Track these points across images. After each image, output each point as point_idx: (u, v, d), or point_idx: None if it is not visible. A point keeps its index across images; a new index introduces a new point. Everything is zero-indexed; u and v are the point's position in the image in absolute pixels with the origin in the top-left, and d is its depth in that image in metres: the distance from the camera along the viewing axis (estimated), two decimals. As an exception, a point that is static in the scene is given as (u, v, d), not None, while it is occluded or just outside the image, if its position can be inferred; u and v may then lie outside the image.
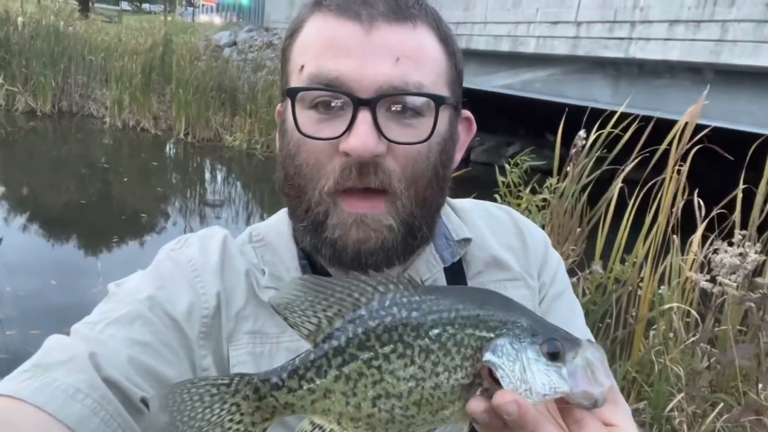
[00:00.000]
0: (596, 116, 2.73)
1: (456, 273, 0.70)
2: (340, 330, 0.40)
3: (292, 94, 0.59)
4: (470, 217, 0.76)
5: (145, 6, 43.24)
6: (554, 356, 0.38)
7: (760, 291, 1.69)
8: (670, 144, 2.41)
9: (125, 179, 8.38)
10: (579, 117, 2.81)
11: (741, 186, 2.25)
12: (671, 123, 2.51)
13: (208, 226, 0.74)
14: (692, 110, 2.42)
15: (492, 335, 0.39)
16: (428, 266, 0.69)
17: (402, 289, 0.40)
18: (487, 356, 0.38)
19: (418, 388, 0.39)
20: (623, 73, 6.86)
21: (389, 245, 0.59)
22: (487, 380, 0.39)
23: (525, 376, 0.38)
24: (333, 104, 0.58)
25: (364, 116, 0.56)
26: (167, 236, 5.74)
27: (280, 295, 0.42)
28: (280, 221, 0.73)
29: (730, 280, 1.69)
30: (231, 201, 7.94)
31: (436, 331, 0.39)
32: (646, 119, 2.68)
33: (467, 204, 0.79)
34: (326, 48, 0.58)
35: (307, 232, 0.62)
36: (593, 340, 0.77)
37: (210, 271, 0.65)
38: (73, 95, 11.51)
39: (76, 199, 7.12)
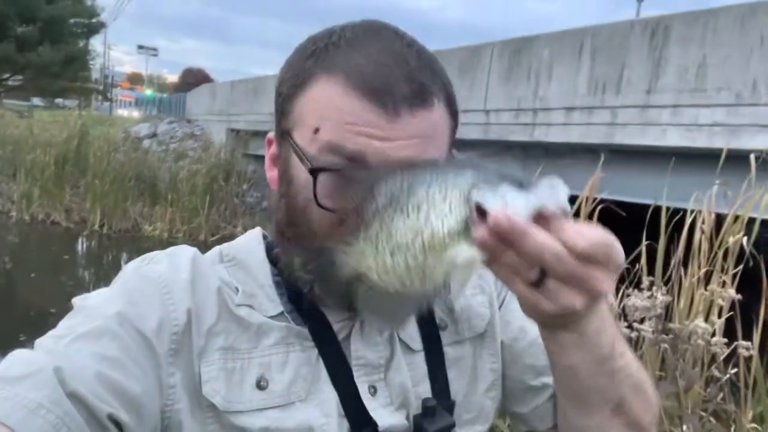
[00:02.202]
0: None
1: None
2: (366, 210, 0.54)
3: (315, 173, 0.60)
4: None
5: (58, 101, 42.36)
6: (521, 186, 0.47)
7: (672, 333, 1.84)
8: (578, 213, 2.68)
9: (32, 275, 7.83)
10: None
11: (644, 242, 2.48)
12: (577, 198, 2.83)
13: None
14: (590, 185, 2.74)
15: (470, 183, 0.49)
16: None
17: (399, 173, 0.53)
18: (472, 194, 0.49)
19: (418, 237, 0.50)
20: (530, 155, 7.43)
21: None
22: (476, 221, 0.47)
23: (505, 202, 0.46)
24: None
25: None
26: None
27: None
28: (251, 240, 0.74)
29: (645, 325, 1.82)
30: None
31: (422, 190, 0.51)
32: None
33: None
34: (346, 126, 0.59)
35: (303, 267, 0.65)
36: None
37: (180, 288, 0.65)
38: (-24, 190, 10.88)
39: (-25, 297, 6.54)
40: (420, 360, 0.71)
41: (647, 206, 2.83)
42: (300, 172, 0.63)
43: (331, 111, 0.61)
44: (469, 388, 0.75)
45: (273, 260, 0.70)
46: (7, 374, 0.53)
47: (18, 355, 0.56)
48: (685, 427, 1.84)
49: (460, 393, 0.74)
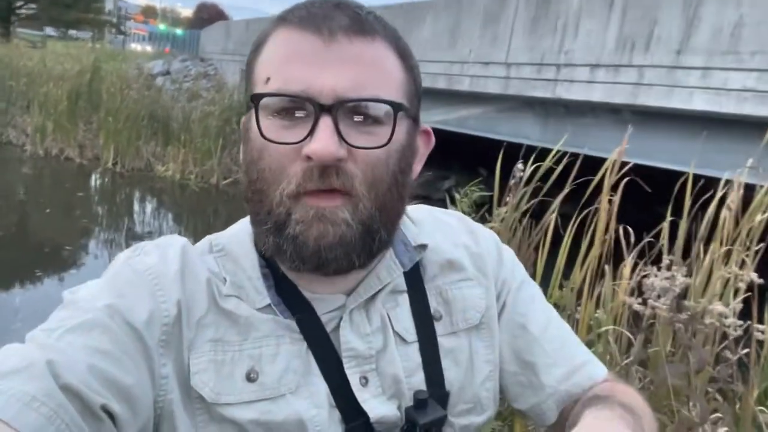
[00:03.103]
0: (526, 153, 2.89)
1: (414, 277, 0.75)
2: None
3: (255, 100, 0.61)
4: (424, 225, 0.80)
5: (72, 33, 41.75)
6: None
7: (688, 312, 1.81)
8: (602, 179, 2.58)
9: (47, 210, 7.92)
10: (509, 154, 2.96)
11: (668, 218, 2.42)
12: (596, 159, 2.71)
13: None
14: (620, 150, 2.62)
15: None
16: (389, 271, 0.72)
17: None
18: None
19: None
20: (551, 112, 7.26)
21: (347, 240, 0.61)
22: None
23: None
24: (296, 112, 0.61)
25: (325, 122, 0.59)
26: (91, 270, 5.44)
27: None
28: (240, 230, 0.74)
29: (660, 302, 1.80)
30: (161, 233, 7.65)
31: None
32: (575, 156, 2.85)
33: (421, 213, 0.83)
34: (289, 60, 0.61)
35: (269, 233, 0.63)
36: (558, 318, 0.81)
37: (170, 279, 0.65)
38: (-9, 121, 10.87)
39: (-9, 230, 6.64)
40: (414, 351, 0.71)
41: (676, 176, 2.73)
42: (255, 129, 0.62)
43: (275, 57, 0.63)
44: (465, 378, 0.75)
45: (260, 251, 0.70)
46: None
47: (10, 348, 0.55)
48: (692, 405, 1.84)
49: (456, 384, 0.74)
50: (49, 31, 40.48)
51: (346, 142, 0.60)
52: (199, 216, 8.70)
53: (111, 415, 0.55)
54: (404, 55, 0.67)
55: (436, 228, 0.80)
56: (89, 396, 0.53)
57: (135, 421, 0.58)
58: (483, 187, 3.03)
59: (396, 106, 0.62)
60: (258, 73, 0.64)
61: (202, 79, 14.92)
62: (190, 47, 22.53)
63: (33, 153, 10.28)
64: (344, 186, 0.60)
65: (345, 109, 0.60)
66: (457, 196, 2.38)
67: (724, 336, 2.05)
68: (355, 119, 0.61)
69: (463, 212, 2.34)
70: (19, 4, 30.24)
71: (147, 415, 0.60)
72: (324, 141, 0.58)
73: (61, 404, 0.51)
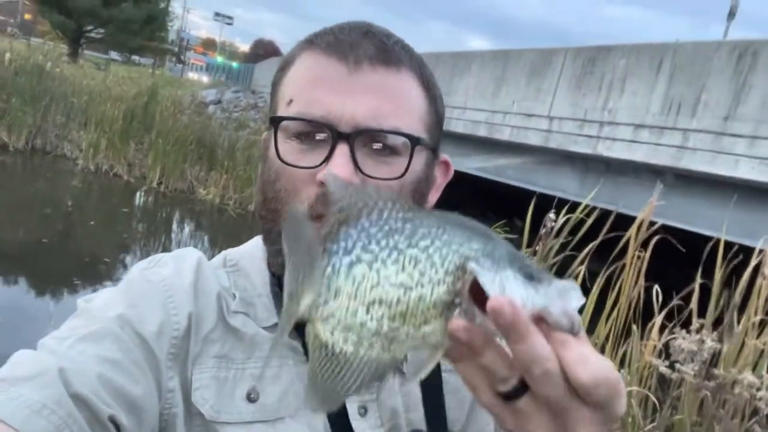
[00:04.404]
0: (562, 206, 2.89)
1: None
2: (346, 234, 0.41)
3: (275, 122, 0.62)
4: None
5: (135, 58, 44.03)
6: (530, 278, 0.39)
7: (716, 381, 1.75)
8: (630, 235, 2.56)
9: (91, 223, 8.21)
10: (545, 206, 2.95)
11: (698, 281, 2.36)
12: (630, 219, 2.69)
13: None
14: (649, 206, 2.61)
15: (473, 254, 0.40)
16: None
17: (397, 205, 0.42)
18: (471, 265, 0.40)
19: (405, 296, 0.40)
20: (591, 168, 7.21)
21: None
22: (466, 301, 0.40)
23: (504, 289, 0.38)
24: (316, 136, 0.61)
25: (342, 149, 0.59)
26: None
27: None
28: (254, 247, 0.74)
29: (687, 367, 1.74)
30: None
31: (425, 242, 0.41)
32: (608, 213, 2.84)
33: None
34: (312, 85, 0.62)
35: (280, 253, 0.62)
36: None
37: (183, 292, 0.65)
38: (49, 134, 11.41)
39: (36, 238, 6.91)
40: (415, 385, 0.68)
41: (707, 239, 2.69)
42: (273, 150, 0.63)
43: (300, 80, 0.63)
44: (469, 418, 0.72)
45: (272, 269, 0.69)
46: (11, 375, 0.53)
47: (22, 355, 0.56)
48: (715, 480, 1.76)
49: (459, 422, 0.71)
50: (114, 55, 42.80)
51: (361, 171, 0.60)
52: (234, 240, 8.79)
53: (117, 426, 0.55)
54: (428, 86, 0.67)
55: None
56: (98, 406, 0.53)
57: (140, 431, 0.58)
58: (516, 236, 3.00)
59: (414, 140, 0.62)
60: (282, 93, 0.66)
61: (251, 110, 15.43)
62: (244, 80, 23.41)
63: (84, 167, 10.73)
64: None
65: (363, 138, 0.60)
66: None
67: (755, 411, 1.96)
68: (374, 147, 0.61)
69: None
70: (89, 28, 32.18)
71: (152, 426, 0.60)
72: (338, 168, 0.58)
73: (70, 413, 0.51)
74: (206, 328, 0.64)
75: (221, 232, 9.21)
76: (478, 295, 0.39)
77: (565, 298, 0.39)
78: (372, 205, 0.42)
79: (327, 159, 0.60)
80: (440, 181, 0.73)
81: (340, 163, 0.59)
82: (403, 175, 0.62)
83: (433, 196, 0.71)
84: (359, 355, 0.41)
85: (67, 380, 0.53)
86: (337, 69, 0.61)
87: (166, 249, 7.78)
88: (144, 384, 0.58)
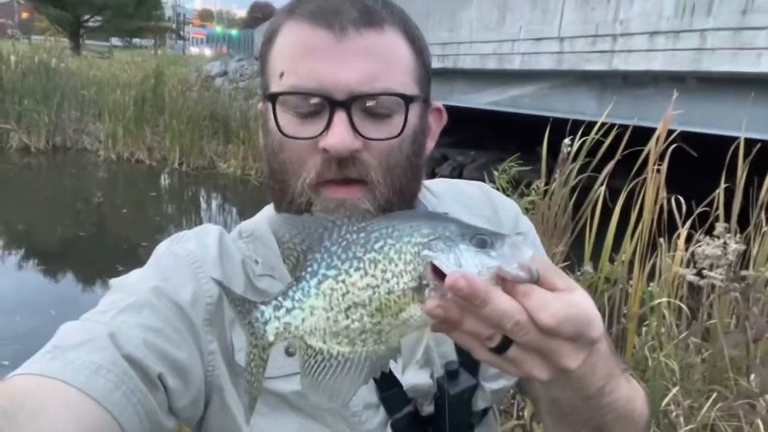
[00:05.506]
0: (585, 128, 2.83)
1: None
2: (312, 259, 0.48)
3: (272, 98, 0.64)
4: (444, 197, 0.82)
5: (136, 41, 43.74)
6: (482, 245, 0.44)
7: (745, 281, 1.75)
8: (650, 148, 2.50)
9: (123, 210, 8.43)
10: (568, 131, 2.90)
11: (722, 185, 2.33)
12: (651, 130, 2.61)
13: None
14: (666, 117, 2.53)
15: (425, 240, 0.46)
16: None
17: (352, 220, 0.48)
18: (425, 252, 0.45)
19: (376, 294, 0.46)
20: (608, 85, 7.00)
21: None
22: (431, 279, 0.45)
23: (459, 263, 0.43)
24: (312, 107, 0.63)
25: (340, 116, 0.61)
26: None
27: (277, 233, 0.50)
28: (266, 216, 0.78)
29: (715, 272, 1.75)
30: (228, 228, 7.93)
31: (379, 244, 0.47)
32: (627, 128, 2.78)
33: (441, 185, 0.85)
34: (302, 55, 0.63)
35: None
36: None
37: (210, 262, 0.69)
38: (67, 130, 11.61)
39: (73, 232, 7.15)
40: None
41: (732, 140, 2.62)
42: (273, 123, 0.65)
43: (288, 51, 0.64)
44: None
45: None
46: (64, 343, 0.57)
47: (69, 326, 0.61)
48: (752, 377, 1.79)
49: None
50: (115, 41, 42.58)
51: (360, 134, 0.62)
52: (261, 208, 8.98)
53: (165, 387, 0.60)
54: (413, 39, 0.68)
55: (455, 198, 0.83)
56: (149, 366, 0.58)
57: (187, 393, 0.63)
58: (535, 165, 2.99)
59: (408, 99, 0.64)
60: (271, 66, 0.67)
61: (258, 77, 15.30)
62: (246, 47, 23.10)
63: (106, 157, 10.93)
64: (361, 175, 0.63)
65: (358, 103, 0.62)
66: (495, 173, 2.38)
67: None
68: (368, 109, 0.63)
69: (502, 188, 2.34)
70: (86, 17, 31.97)
71: (198, 388, 0.65)
72: (340, 135, 0.61)
73: (125, 371, 0.56)
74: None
75: (248, 203, 9.36)
76: (443, 273, 0.44)
77: (517, 252, 0.44)
78: (331, 226, 0.48)
79: (327, 127, 0.62)
80: (435, 127, 0.75)
81: (340, 131, 0.61)
82: (400, 133, 0.64)
83: (430, 144, 0.73)
84: (357, 352, 0.47)
85: (117, 343, 0.57)
86: (324, 37, 0.62)
87: (199, 225, 7.94)
88: (186, 349, 0.63)
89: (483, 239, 0.44)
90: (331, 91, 0.61)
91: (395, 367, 0.68)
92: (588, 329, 0.44)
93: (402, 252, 0.46)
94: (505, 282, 0.43)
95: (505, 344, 0.44)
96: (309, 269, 0.48)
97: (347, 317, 0.47)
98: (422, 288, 0.45)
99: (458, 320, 0.44)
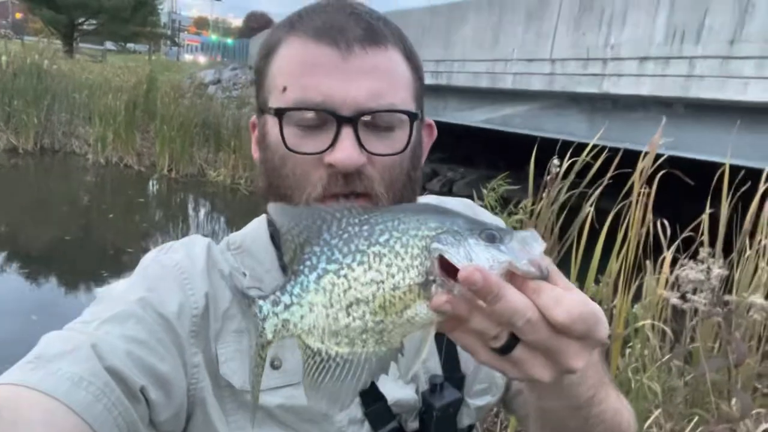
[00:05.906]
0: (574, 149, 2.87)
1: None
2: (310, 252, 0.45)
3: (280, 113, 0.64)
4: None
5: (130, 46, 43.71)
6: (492, 240, 0.43)
7: (728, 306, 1.77)
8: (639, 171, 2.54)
9: (110, 216, 8.35)
10: (558, 151, 2.93)
11: (707, 211, 2.36)
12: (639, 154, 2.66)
13: None
14: (653, 140, 2.57)
15: (433, 233, 0.43)
16: None
17: (353, 212, 0.46)
18: (434, 246, 0.43)
19: (380, 291, 0.43)
20: (598, 108, 7.10)
21: None
22: (439, 275, 0.43)
23: (470, 257, 0.42)
24: (314, 121, 0.64)
25: (347, 132, 0.62)
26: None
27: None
28: (255, 228, 0.78)
29: (698, 296, 1.77)
30: (215, 237, 7.89)
31: (384, 237, 0.44)
32: (617, 151, 2.82)
33: (427, 200, 0.86)
34: (307, 71, 0.63)
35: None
36: None
37: (197, 273, 0.69)
38: (56, 133, 11.51)
39: (58, 236, 7.05)
40: None
41: (719, 167, 2.66)
42: (275, 137, 0.65)
43: (291, 66, 0.65)
44: None
45: (277, 245, 0.73)
46: (46, 353, 0.56)
47: (52, 335, 0.59)
48: (733, 402, 1.81)
49: (471, 365, 0.76)
50: (109, 45, 42.48)
51: (366, 150, 0.63)
52: (249, 218, 8.80)
53: (147, 400, 0.59)
54: (411, 57, 0.69)
55: None
56: (131, 378, 0.57)
57: (169, 406, 0.62)
58: (518, 183, 3.01)
59: (412, 116, 0.66)
60: (272, 80, 0.67)
61: (251, 87, 15.32)
62: (240, 56, 23.15)
63: (95, 161, 10.83)
64: (366, 189, 0.64)
65: (363, 119, 0.63)
66: (484, 191, 2.40)
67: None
68: (371, 123, 0.64)
69: (491, 206, 2.36)
70: (80, 20, 31.90)
71: (180, 401, 0.64)
72: (347, 151, 0.62)
73: (107, 383, 0.55)
74: (223, 306, 0.68)
75: (236, 212, 9.31)
76: (450, 268, 0.42)
77: (528, 247, 0.42)
78: (330, 218, 0.45)
79: (333, 143, 0.62)
80: (426, 141, 0.76)
81: (347, 146, 0.62)
82: (405, 148, 0.65)
83: (423, 157, 0.75)
84: (357, 353, 0.45)
85: (100, 355, 0.56)
86: (330, 54, 0.63)
87: (186, 233, 7.90)
88: (170, 361, 0.62)
89: (492, 234, 0.43)
90: (339, 107, 0.62)
91: (380, 381, 0.66)
92: (597, 328, 0.43)
93: (409, 246, 0.43)
94: (513, 278, 0.42)
95: (511, 344, 0.43)
96: (308, 263, 0.45)
97: (348, 315, 0.44)
98: (428, 284, 0.43)
99: (465, 317, 0.42)
